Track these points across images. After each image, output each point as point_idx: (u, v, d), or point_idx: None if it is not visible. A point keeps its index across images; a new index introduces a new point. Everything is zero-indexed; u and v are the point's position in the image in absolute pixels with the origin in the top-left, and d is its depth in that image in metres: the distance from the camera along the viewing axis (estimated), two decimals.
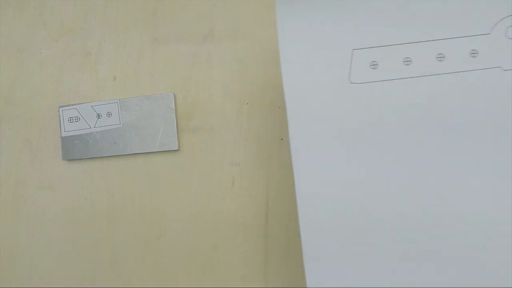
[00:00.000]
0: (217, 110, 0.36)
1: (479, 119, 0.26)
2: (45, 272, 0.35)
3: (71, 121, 0.36)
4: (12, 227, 0.36)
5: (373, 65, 0.27)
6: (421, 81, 0.27)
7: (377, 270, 0.27)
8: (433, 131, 0.27)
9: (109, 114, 0.35)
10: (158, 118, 0.35)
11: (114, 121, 0.35)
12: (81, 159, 0.36)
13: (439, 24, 0.26)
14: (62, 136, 0.36)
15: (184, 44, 0.36)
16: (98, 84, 0.36)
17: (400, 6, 0.27)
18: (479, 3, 0.26)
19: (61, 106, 0.36)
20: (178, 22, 0.36)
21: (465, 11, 0.26)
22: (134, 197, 0.35)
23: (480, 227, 0.27)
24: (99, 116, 0.35)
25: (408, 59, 0.27)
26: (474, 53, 0.26)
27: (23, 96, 0.37)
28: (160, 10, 0.37)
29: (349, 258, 0.28)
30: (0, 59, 0.37)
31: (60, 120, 0.36)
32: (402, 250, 0.28)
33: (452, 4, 0.27)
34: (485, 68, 0.26)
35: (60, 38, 0.37)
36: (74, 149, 0.35)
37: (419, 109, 0.27)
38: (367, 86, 0.27)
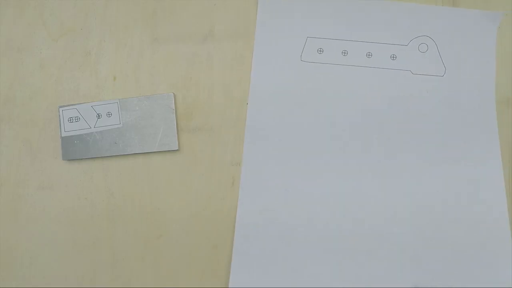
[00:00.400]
0: (217, 110, 0.36)
1: (390, 107, 0.35)
2: (45, 272, 0.35)
3: (71, 121, 0.36)
4: (12, 227, 0.36)
5: (320, 50, 0.36)
6: (352, 69, 0.36)
7: (294, 274, 0.34)
8: (355, 108, 0.35)
9: (109, 114, 0.35)
10: (158, 118, 0.35)
11: (114, 121, 0.35)
12: (81, 159, 0.36)
13: (372, 31, 0.36)
14: (62, 136, 0.36)
15: (184, 44, 0.36)
16: (98, 84, 0.36)
17: (347, 13, 0.36)
18: (403, 22, 0.36)
19: (61, 106, 0.36)
20: (178, 22, 0.36)
21: (392, 26, 0.36)
22: (134, 197, 0.35)
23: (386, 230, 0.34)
24: (99, 116, 0.35)
25: (346, 51, 0.36)
26: (393, 57, 0.35)
27: (23, 96, 0.37)
28: (160, 10, 0.37)
29: (272, 262, 0.34)
30: (0, 59, 0.37)
31: (60, 120, 0.36)
32: (325, 254, 0.34)
33: (384, 18, 0.36)
34: (400, 69, 0.35)
35: (60, 38, 0.37)
36: (74, 149, 0.35)
37: (349, 89, 0.35)
38: (313, 65, 0.36)
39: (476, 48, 0.36)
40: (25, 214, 0.36)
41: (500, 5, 0.36)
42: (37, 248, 0.35)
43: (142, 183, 0.36)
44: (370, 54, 0.35)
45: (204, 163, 0.35)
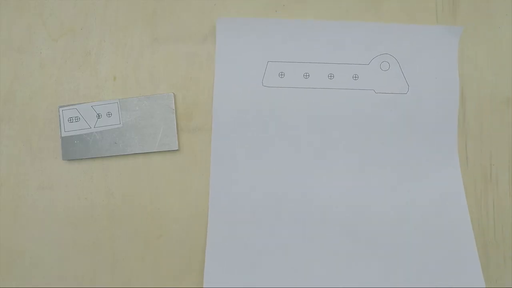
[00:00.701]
0: None
1: (354, 127, 0.35)
2: (45, 272, 0.35)
3: (71, 121, 0.36)
4: (12, 227, 0.36)
5: (281, 74, 0.35)
6: (315, 91, 0.35)
7: (265, 275, 0.33)
8: (320, 130, 0.35)
9: (109, 114, 0.35)
10: (158, 118, 0.35)
11: (114, 121, 0.35)
12: (81, 159, 0.36)
13: (333, 52, 0.35)
14: (62, 136, 0.36)
15: (184, 44, 0.36)
16: (98, 84, 0.36)
17: (307, 36, 0.35)
18: (363, 42, 0.35)
19: (61, 106, 0.36)
20: (178, 22, 0.36)
21: (352, 45, 0.35)
22: (134, 197, 0.35)
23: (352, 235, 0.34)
24: (99, 116, 0.35)
25: (307, 74, 0.35)
26: (355, 77, 0.35)
27: (23, 96, 0.37)
28: (160, 10, 0.37)
29: (246, 263, 0.33)
30: (0, 59, 0.37)
31: (60, 120, 0.36)
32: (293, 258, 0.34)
33: (344, 39, 0.35)
34: (363, 89, 0.35)
35: (60, 38, 0.37)
36: (74, 149, 0.35)
37: (312, 111, 0.35)
38: (275, 89, 0.35)
39: (438, 64, 0.35)
40: (25, 214, 0.36)
41: (500, 7, 0.36)
42: (37, 248, 0.35)
43: (142, 183, 0.36)
44: (332, 75, 0.35)
45: (204, 163, 0.35)
